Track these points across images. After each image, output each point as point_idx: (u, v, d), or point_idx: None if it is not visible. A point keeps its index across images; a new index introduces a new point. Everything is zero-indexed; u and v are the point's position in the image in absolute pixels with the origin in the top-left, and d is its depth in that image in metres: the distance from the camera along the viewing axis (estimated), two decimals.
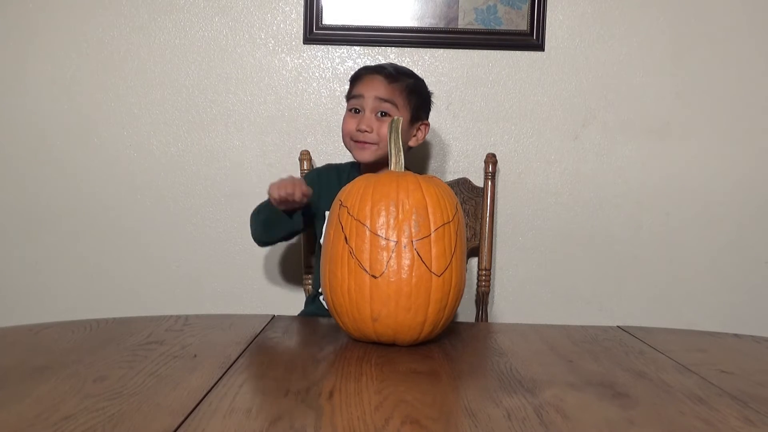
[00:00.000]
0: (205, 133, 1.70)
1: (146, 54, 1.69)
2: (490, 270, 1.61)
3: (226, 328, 1.03)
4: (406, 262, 0.91)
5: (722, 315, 1.73)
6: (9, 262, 1.72)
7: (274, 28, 1.69)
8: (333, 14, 1.67)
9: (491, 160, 1.61)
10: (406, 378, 0.81)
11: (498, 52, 1.69)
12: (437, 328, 0.96)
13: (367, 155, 1.35)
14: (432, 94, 1.46)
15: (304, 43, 1.69)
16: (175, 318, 1.08)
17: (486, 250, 1.59)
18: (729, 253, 1.74)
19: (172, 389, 0.73)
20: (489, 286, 1.61)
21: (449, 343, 1.00)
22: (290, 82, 1.70)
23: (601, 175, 1.72)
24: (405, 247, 0.91)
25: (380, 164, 1.34)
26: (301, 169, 1.59)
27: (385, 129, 1.31)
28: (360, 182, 0.98)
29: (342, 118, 1.40)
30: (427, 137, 1.70)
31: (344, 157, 1.67)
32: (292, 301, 1.71)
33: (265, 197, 1.28)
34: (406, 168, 1.04)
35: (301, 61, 1.70)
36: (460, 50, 1.69)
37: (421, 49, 1.69)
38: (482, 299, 1.60)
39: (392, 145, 1.02)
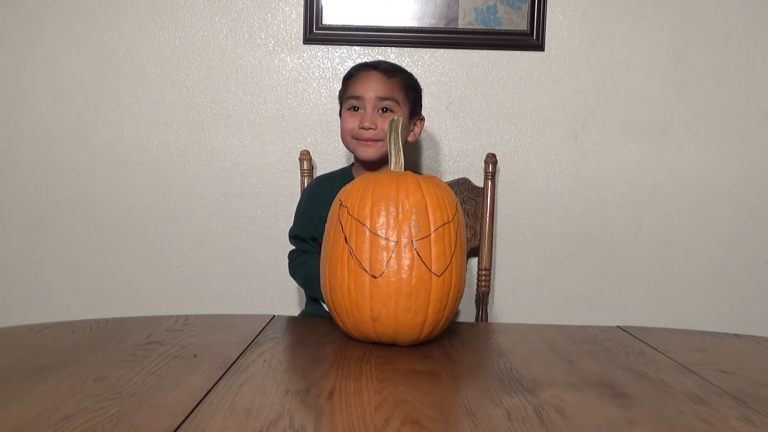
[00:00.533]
0: (205, 133, 1.70)
1: (146, 54, 1.69)
2: (490, 270, 1.61)
3: (226, 328, 1.03)
4: (406, 262, 0.91)
5: (722, 315, 1.73)
6: (9, 262, 1.73)
7: (274, 28, 1.69)
8: (333, 14, 1.67)
9: (491, 160, 1.61)
10: (406, 378, 0.81)
11: (498, 52, 1.69)
12: (437, 328, 0.96)
13: (372, 152, 1.32)
14: (422, 89, 1.43)
15: (304, 43, 1.69)
16: (175, 318, 1.08)
17: (486, 250, 1.59)
18: (729, 253, 1.74)
19: (172, 389, 0.73)
20: (489, 286, 1.61)
21: (449, 343, 0.99)
22: (290, 82, 1.70)
23: (601, 175, 1.72)
24: (405, 247, 0.91)
25: (379, 162, 1.34)
26: (301, 169, 1.58)
27: (387, 124, 1.31)
28: (360, 182, 0.98)
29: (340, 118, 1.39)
30: (427, 137, 1.70)
31: (344, 156, 1.68)
32: (292, 301, 1.71)
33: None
34: (406, 168, 1.04)
35: (301, 61, 1.70)
36: (460, 50, 1.69)
37: (421, 49, 1.69)
38: (482, 299, 1.60)
39: (392, 145, 1.02)
